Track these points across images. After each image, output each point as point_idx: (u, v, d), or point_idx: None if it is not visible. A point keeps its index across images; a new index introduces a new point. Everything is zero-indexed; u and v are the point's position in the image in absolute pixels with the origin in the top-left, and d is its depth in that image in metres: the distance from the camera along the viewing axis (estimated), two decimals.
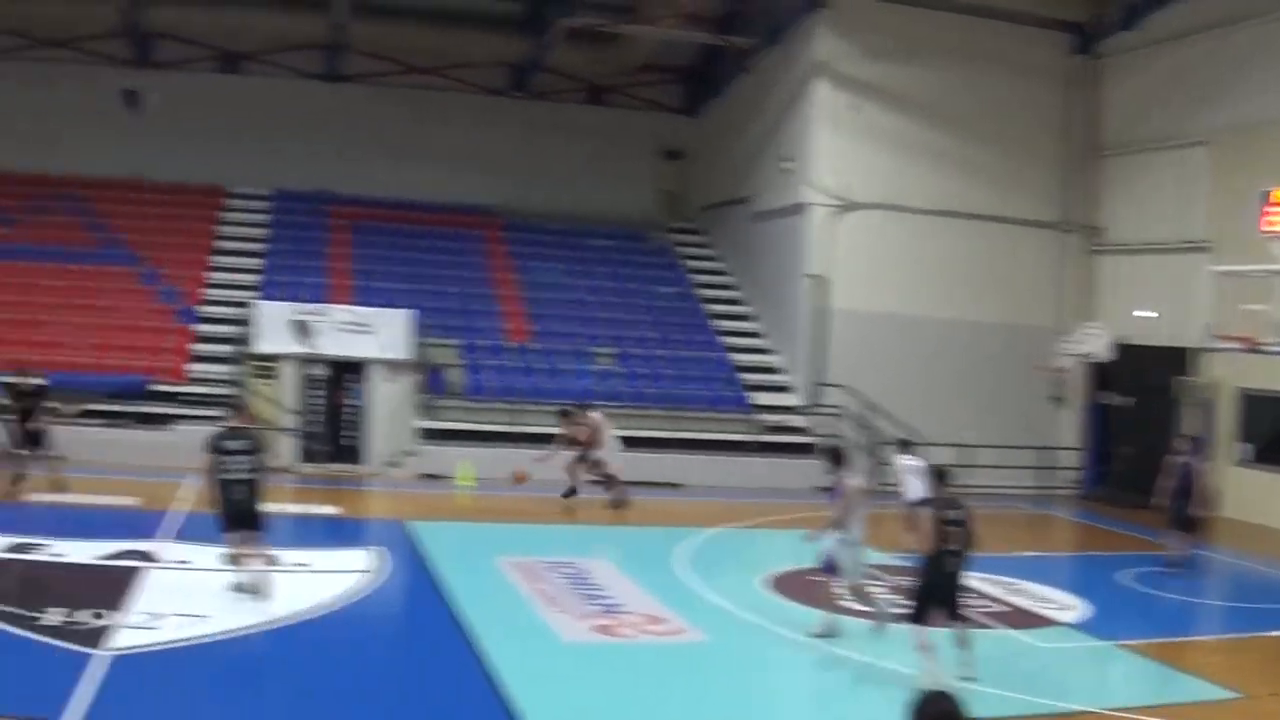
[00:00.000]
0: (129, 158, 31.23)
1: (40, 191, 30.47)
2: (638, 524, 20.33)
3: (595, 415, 21.72)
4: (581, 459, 21.33)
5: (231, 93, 32.32)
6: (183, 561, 14.60)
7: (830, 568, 12.86)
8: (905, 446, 19.46)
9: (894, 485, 18.75)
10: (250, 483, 13.18)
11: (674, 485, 24.63)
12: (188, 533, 16.36)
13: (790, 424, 27.42)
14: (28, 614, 11.59)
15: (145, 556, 14.68)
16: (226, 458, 13.12)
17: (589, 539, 18.31)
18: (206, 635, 11.56)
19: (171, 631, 11.55)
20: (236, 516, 13.22)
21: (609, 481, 21.60)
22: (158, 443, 23.04)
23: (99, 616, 11.73)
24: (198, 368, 25.83)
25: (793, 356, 28.90)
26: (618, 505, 21.43)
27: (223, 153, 31.61)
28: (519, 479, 21.47)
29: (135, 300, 27.78)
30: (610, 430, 21.76)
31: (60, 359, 24.85)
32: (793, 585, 14.87)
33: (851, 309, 27.78)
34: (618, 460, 21.60)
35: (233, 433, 13.43)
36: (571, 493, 21.25)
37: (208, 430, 14.67)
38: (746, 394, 28.11)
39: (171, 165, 31.37)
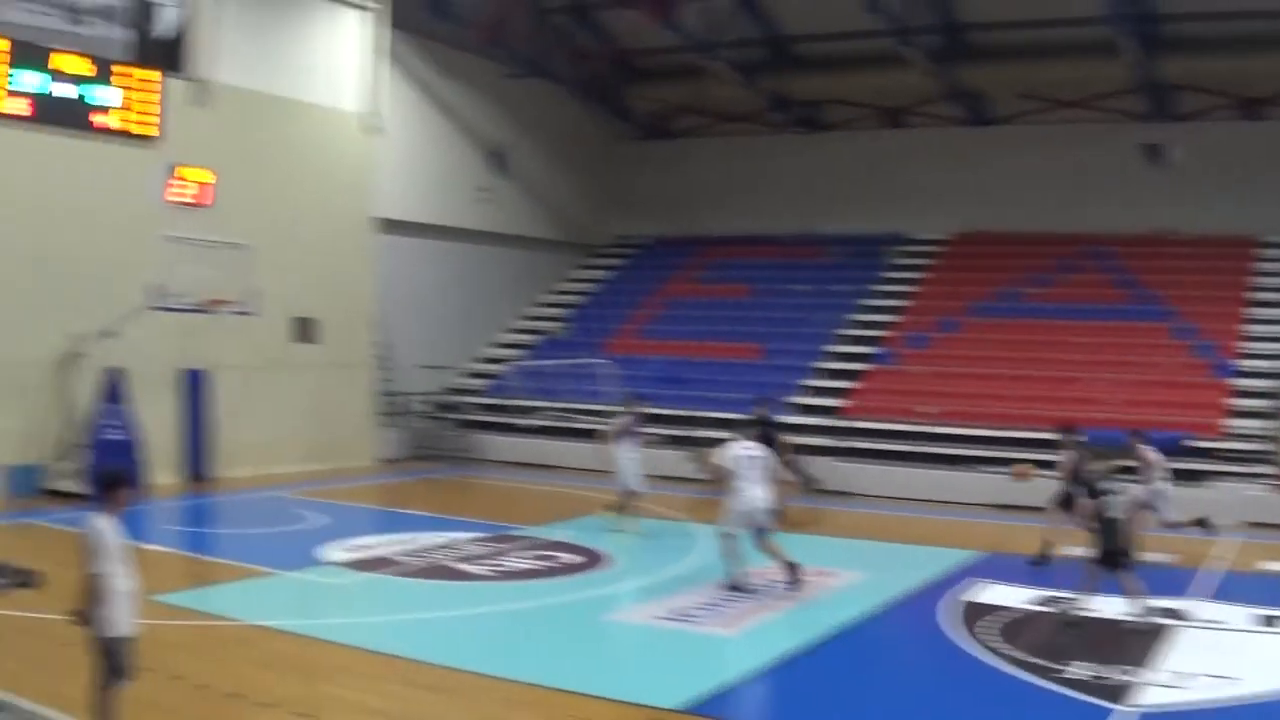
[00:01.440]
0: (1153, 212, 31.51)
1: (1071, 250, 31.95)
2: None
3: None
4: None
5: (1255, 140, 31.15)
6: (1216, 621, 14.18)
7: None
8: None
9: None
10: (1125, 520, 13.63)
11: None
12: (1223, 592, 16.02)
13: None
14: (1053, 666, 12.01)
15: (1176, 614, 14.44)
16: (1107, 498, 13.43)
17: None
18: (1236, 698, 11.21)
19: (1199, 692, 11.36)
20: (1119, 555, 13.48)
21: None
22: (1198, 499, 22.29)
23: (1126, 673, 11.81)
24: (1235, 423, 24.93)
25: None
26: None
27: (1251, 201, 30.58)
28: (1020, 475, 19.03)
29: (1169, 355, 27.68)
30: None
31: (1095, 415, 25.35)
32: None
33: None
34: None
35: (1104, 472, 13.77)
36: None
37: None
38: None
39: (1199, 217, 31.15)
